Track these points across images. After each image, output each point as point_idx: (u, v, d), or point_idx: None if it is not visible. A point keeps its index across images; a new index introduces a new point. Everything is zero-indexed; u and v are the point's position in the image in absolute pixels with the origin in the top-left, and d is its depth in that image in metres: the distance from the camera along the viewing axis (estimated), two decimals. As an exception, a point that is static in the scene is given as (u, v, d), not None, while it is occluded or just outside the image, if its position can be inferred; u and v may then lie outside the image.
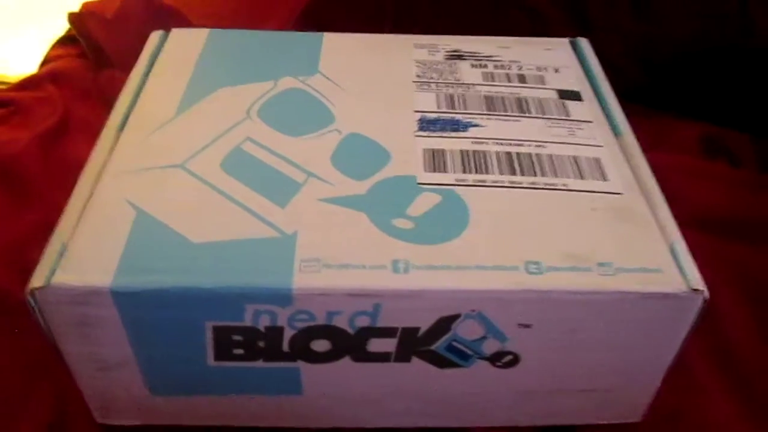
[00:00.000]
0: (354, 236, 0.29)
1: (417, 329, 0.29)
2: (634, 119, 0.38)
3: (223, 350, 0.30)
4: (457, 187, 0.32)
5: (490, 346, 0.29)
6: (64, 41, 0.71)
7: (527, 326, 0.29)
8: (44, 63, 0.71)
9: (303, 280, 0.27)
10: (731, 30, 0.55)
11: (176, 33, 0.44)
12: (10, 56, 0.95)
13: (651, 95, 0.56)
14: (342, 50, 0.42)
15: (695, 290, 0.28)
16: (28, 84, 0.65)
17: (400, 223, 0.30)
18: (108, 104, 0.59)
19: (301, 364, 0.30)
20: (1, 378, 0.41)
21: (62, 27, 0.77)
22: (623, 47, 0.55)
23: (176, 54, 0.42)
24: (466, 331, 0.29)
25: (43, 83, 0.64)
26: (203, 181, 0.32)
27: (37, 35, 0.89)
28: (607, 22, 0.55)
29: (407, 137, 0.35)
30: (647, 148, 0.36)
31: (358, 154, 0.34)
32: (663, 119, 0.55)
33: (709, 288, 0.28)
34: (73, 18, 0.67)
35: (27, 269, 0.46)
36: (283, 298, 0.27)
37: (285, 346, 0.29)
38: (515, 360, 0.30)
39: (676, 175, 0.46)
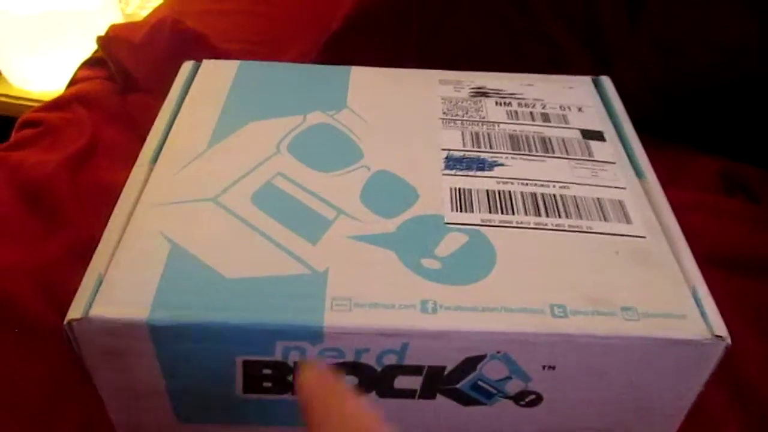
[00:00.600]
0: (384, 275, 0.30)
1: (443, 368, 0.29)
2: (651, 153, 0.39)
3: (252, 383, 0.30)
4: (483, 227, 0.32)
5: (513, 386, 0.30)
6: (92, 63, 0.73)
7: (551, 368, 0.29)
8: (71, 84, 0.72)
9: (334, 318, 0.28)
10: (751, 63, 0.55)
11: (207, 64, 0.45)
12: (32, 74, 0.97)
13: (668, 128, 0.57)
14: (369, 85, 0.43)
15: (718, 336, 0.28)
16: (57, 105, 0.67)
17: (429, 262, 0.30)
18: (135, 128, 0.61)
19: (327, 399, 0.31)
20: (30, 400, 0.42)
21: (83, 45, 0.79)
22: (641, 80, 0.56)
23: (207, 86, 0.42)
24: (491, 371, 0.29)
25: (72, 105, 0.66)
26: (235, 216, 0.33)
27: (58, 53, 0.91)
28: (625, 54, 0.56)
29: (434, 175, 0.36)
30: (665, 183, 0.37)
31: (387, 192, 0.34)
32: (680, 153, 0.55)
33: (728, 327, 0.29)
34: (102, 41, 0.69)
35: (55, 292, 0.48)
36: (314, 335, 0.28)
37: (313, 381, 0.30)
38: (538, 399, 0.31)
39: (695, 212, 0.47)
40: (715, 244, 0.45)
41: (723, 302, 0.30)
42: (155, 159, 0.37)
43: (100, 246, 0.32)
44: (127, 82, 0.66)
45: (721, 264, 0.43)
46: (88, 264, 0.31)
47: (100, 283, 0.29)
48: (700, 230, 0.45)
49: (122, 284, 0.29)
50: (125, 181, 0.36)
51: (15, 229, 0.54)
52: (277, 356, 0.29)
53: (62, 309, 0.47)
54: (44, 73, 0.93)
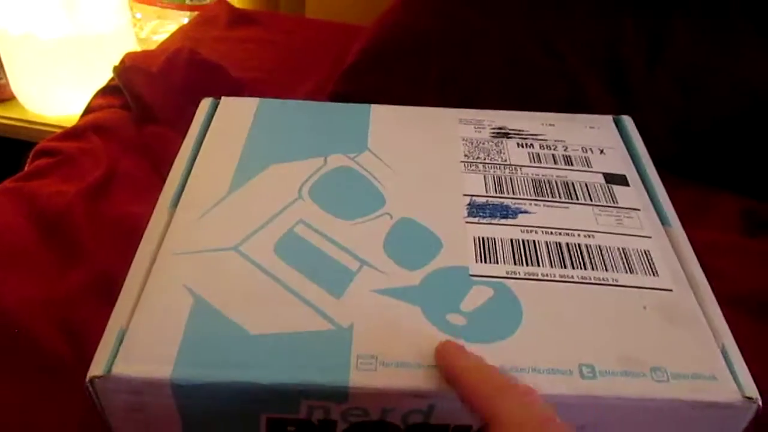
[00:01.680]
0: (409, 332, 0.29)
1: (468, 427, 0.29)
2: (672, 192, 0.38)
3: (275, 440, 0.30)
4: (508, 280, 0.32)
5: None
6: (107, 91, 0.73)
7: (581, 428, 0.29)
8: (87, 112, 0.72)
9: (360, 378, 0.28)
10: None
11: (227, 102, 0.45)
12: (46, 98, 0.97)
13: (690, 166, 0.56)
14: (389, 125, 0.43)
15: (749, 398, 0.28)
16: (72, 134, 0.67)
17: (454, 318, 0.30)
18: (152, 160, 0.61)
19: (351, 455, 0.30)
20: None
21: (98, 70, 0.79)
22: (663, 119, 0.56)
23: (226, 126, 0.42)
24: (517, 430, 0.29)
25: (88, 134, 0.65)
26: (257, 266, 0.32)
27: (73, 78, 0.91)
28: (647, 94, 0.55)
29: (457, 223, 0.35)
30: (687, 222, 0.36)
31: (410, 241, 0.34)
32: (701, 191, 0.55)
33: (754, 374, 0.28)
34: (118, 70, 0.69)
35: (71, 326, 0.47)
36: (340, 395, 0.28)
37: (337, 438, 0.30)
38: (565, 458, 0.30)
39: (719, 253, 0.46)
40: (740, 287, 0.45)
41: (747, 347, 0.30)
42: (176, 203, 0.36)
43: (121, 298, 0.31)
44: (143, 111, 0.65)
45: (745, 306, 0.43)
46: (103, 299, 0.31)
47: (122, 338, 0.29)
48: (724, 272, 0.44)
49: (145, 340, 0.29)
50: (142, 218, 0.35)
51: (31, 261, 0.53)
52: (302, 414, 0.28)
53: (76, 342, 0.47)
54: (58, 97, 0.93)
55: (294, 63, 0.74)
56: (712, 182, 0.56)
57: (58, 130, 0.68)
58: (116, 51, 0.77)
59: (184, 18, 1.05)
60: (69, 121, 0.71)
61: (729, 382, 0.28)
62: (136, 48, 0.97)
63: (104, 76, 0.75)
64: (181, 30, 0.87)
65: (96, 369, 0.28)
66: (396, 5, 0.67)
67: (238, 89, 0.67)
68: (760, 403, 0.28)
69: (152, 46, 0.88)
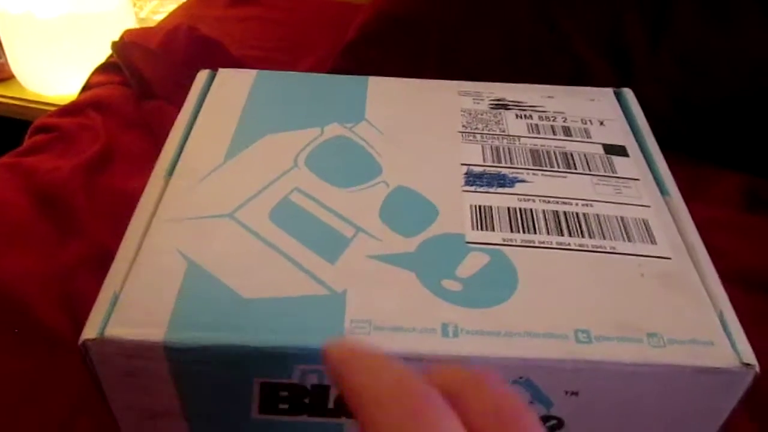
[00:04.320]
0: (404, 297, 0.29)
1: (463, 392, 0.29)
2: (673, 168, 0.38)
3: (268, 405, 0.30)
4: (505, 247, 0.32)
5: (535, 411, 0.29)
6: (106, 68, 0.73)
7: (575, 393, 0.28)
8: (86, 89, 0.72)
9: (353, 342, 0.27)
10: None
11: (223, 73, 0.44)
12: (45, 77, 0.97)
13: (690, 143, 0.56)
14: (387, 96, 0.42)
15: (746, 365, 0.28)
16: (71, 110, 0.67)
17: (449, 284, 0.30)
18: (150, 135, 0.61)
19: (345, 421, 0.30)
20: (44, 411, 0.42)
21: (97, 49, 0.79)
22: (664, 95, 0.55)
23: (224, 96, 0.42)
24: (512, 395, 0.29)
25: (87, 110, 0.65)
26: (252, 233, 0.32)
27: (72, 57, 0.91)
28: (649, 70, 0.55)
29: (454, 192, 0.35)
30: (688, 198, 0.36)
31: (406, 209, 0.34)
32: (703, 168, 0.54)
33: (753, 348, 0.28)
34: (117, 46, 0.68)
35: (68, 299, 0.47)
36: (333, 359, 0.27)
37: (330, 403, 0.29)
38: (560, 425, 0.30)
39: (719, 229, 0.46)
40: (739, 262, 0.45)
41: (746, 320, 0.30)
42: (171, 171, 0.36)
43: (115, 262, 0.31)
44: (141, 87, 0.65)
45: (744, 282, 0.43)
46: (101, 273, 0.30)
47: (116, 301, 0.29)
48: (724, 248, 0.44)
49: (138, 303, 0.29)
50: (140, 192, 0.35)
51: (29, 235, 0.53)
52: (295, 379, 0.28)
53: (75, 316, 0.47)
54: (57, 76, 0.93)
55: (294, 41, 0.73)
56: (714, 159, 0.55)
57: (58, 109, 0.68)
58: (116, 30, 0.76)
59: (184, -3, 1.04)
60: (68, 100, 0.71)
61: (727, 348, 0.28)
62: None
63: (103, 55, 0.75)
64: (181, 8, 0.87)
65: (89, 332, 0.28)
66: (396, -18, 0.67)
67: (238, 66, 0.66)
68: (758, 369, 0.28)
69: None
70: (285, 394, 0.29)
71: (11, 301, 0.47)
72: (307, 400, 0.29)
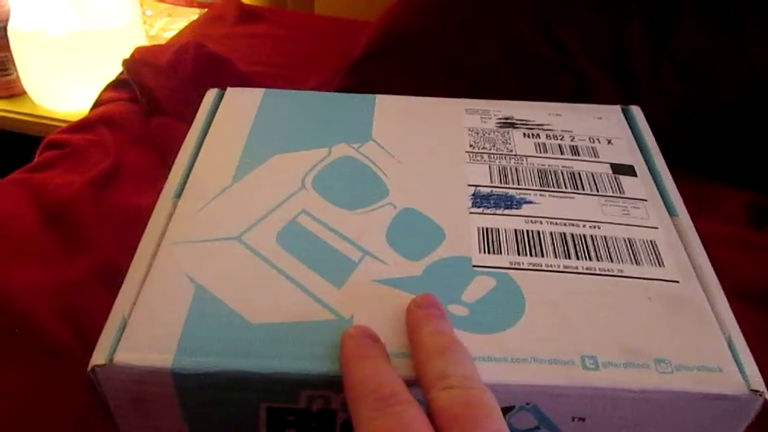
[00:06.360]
0: (410, 323, 0.29)
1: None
2: (678, 184, 0.38)
3: (275, 429, 0.30)
4: (512, 270, 0.32)
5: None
6: (116, 85, 0.73)
7: (581, 419, 0.28)
8: (96, 105, 0.73)
9: (359, 368, 0.27)
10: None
11: (232, 93, 0.45)
12: (56, 93, 0.97)
13: (695, 160, 0.55)
14: (394, 115, 0.42)
15: (755, 391, 0.27)
16: (81, 126, 0.67)
17: (456, 309, 0.30)
18: (159, 151, 0.61)
19: (351, 445, 0.30)
20: (47, 425, 0.42)
21: (107, 66, 0.79)
22: (668, 112, 0.55)
23: (232, 115, 0.42)
24: (519, 421, 0.29)
25: (97, 126, 0.66)
26: (259, 256, 0.32)
27: (83, 74, 0.92)
28: (652, 86, 0.55)
29: (461, 214, 0.35)
30: (692, 214, 0.36)
31: (413, 232, 0.34)
32: (708, 184, 0.54)
33: (760, 367, 0.28)
34: (127, 64, 0.69)
35: (75, 314, 0.48)
36: (340, 385, 0.27)
37: (337, 429, 0.29)
38: (567, 450, 0.30)
39: (725, 246, 0.46)
40: (745, 279, 0.44)
41: (753, 340, 0.29)
42: (180, 193, 0.36)
43: (124, 285, 0.31)
44: (151, 104, 0.66)
45: (750, 299, 0.42)
46: (108, 288, 0.31)
47: (125, 326, 0.29)
48: (730, 265, 0.44)
49: (146, 328, 0.29)
50: (149, 210, 0.35)
51: (37, 250, 0.54)
52: (301, 404, 0.28)
53: (81, 331, 0.47)
54: (68, 93, 0.94)
55: (301, 58, 0.74)
56: (718, 174, 0.55)
57: (68, 126, 0.69)
58: (126, 47, 0.77)
59: (193, 15, 1.05)
60: (78, 117, 0.72)
61: (735, 374, 0.28)
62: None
63: (114, 72, 0.75)
64: (190, 26, 0.87)
65: (98, 358, 0.28)
66: None
67: (245, 82, 0.67)
68: (767, 396, 0.28)
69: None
70: (292, 418, 0.29)
71: (18, 314, 0.48)
72: (314, 424, 0.29)
